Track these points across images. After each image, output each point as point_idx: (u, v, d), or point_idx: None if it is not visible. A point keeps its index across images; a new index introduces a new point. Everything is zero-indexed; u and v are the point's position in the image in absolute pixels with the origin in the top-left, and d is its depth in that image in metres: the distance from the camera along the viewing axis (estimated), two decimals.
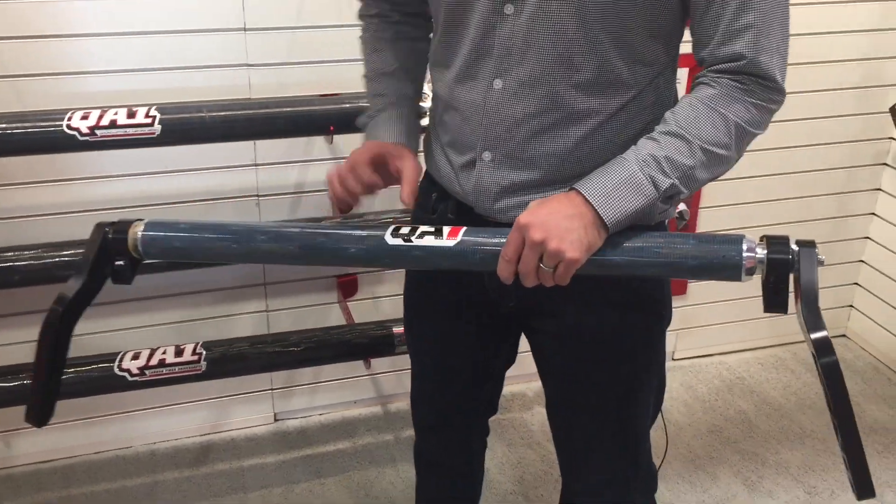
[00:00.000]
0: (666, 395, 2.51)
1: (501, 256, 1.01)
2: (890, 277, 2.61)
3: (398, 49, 1.29)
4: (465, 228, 1.06)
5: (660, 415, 1.70)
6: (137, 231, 1.09)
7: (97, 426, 2.19)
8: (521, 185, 1.13)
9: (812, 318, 0.95)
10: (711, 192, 2.41)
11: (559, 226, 0.97)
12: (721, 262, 1.00)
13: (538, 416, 2.36)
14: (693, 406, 2.45)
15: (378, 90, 1.29)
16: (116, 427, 2.21)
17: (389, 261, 1.08)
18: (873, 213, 2.65)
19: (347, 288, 2.20)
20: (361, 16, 1.33)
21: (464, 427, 1.49)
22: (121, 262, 1.10)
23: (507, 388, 1.70)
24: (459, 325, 1.34)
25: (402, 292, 1.43)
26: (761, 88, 1.03)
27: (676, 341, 2.63)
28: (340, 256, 1.10)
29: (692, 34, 1.08)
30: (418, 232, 1.05)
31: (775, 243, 0.99)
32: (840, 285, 2.74)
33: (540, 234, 0.97)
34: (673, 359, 2.66)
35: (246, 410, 2.32)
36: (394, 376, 2.39)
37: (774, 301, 1.00)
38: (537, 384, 1.97)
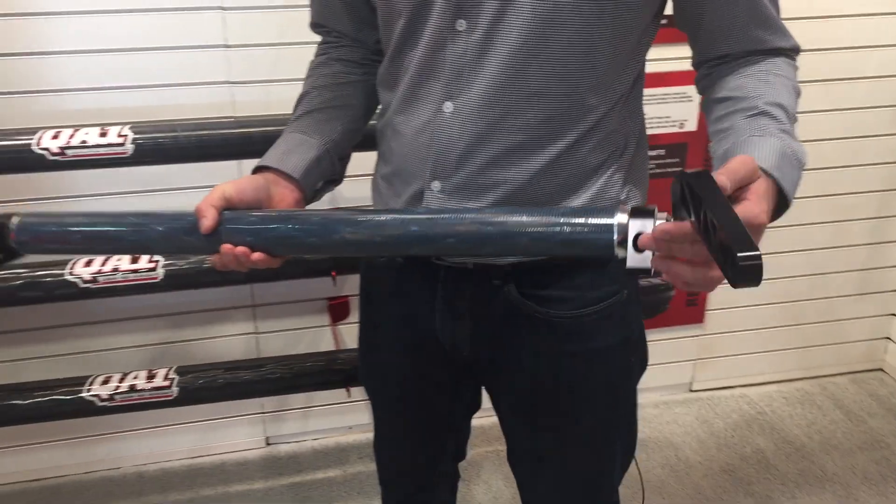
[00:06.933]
0: (679, 430, 2.37)
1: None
2: None
3: (338, 81, 1.16)
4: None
5: (633, 463, 1.58)
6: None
7: (85, 446, 2.17)
8: None
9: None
10: None
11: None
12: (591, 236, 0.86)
13: None
14: (707, 442, 2.30)
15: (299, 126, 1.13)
16: (105, 447, 2.18)
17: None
18: None
19: (337, 311, 2.12)
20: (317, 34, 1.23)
21: (428, 480, 1.39)
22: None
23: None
24: (415, 369, 1.25)
25: None
26: (793, 53, 1.02)
27: (694, 372, 2.49)
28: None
29: (696, 32, 1.02)
30: None
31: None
32: (877, 315, 2.55)
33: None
34: (691, 390, 2.51)
35: (237, 434, 2.26)
36: None
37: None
38: None
